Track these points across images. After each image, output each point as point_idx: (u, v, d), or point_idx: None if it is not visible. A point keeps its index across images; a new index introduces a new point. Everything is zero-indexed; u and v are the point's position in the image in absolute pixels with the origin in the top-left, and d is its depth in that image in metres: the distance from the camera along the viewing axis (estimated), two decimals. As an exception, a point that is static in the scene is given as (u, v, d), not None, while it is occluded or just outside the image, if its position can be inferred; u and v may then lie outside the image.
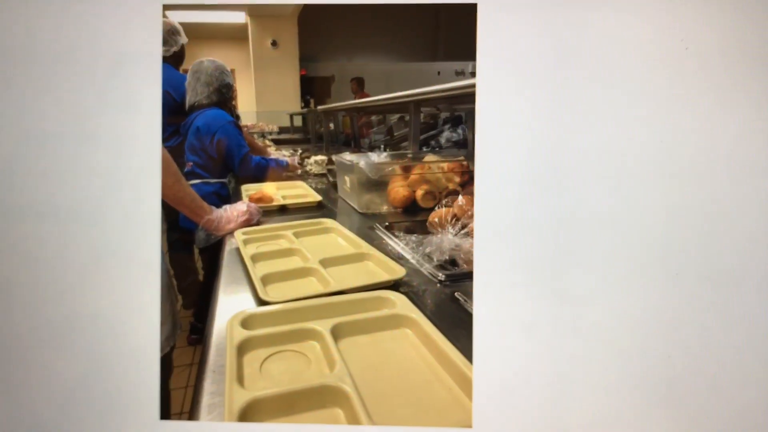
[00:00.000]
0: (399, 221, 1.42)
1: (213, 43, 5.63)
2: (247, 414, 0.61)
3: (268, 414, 0.63)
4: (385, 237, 1.26)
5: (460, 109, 2.48)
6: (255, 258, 1.11)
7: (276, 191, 1.79)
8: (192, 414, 0.64)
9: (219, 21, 5.30)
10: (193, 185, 1.72)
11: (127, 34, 0.81)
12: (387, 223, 1.36)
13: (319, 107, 4.01)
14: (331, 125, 3.61)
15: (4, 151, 0.80)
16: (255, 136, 3.66)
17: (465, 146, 2.43)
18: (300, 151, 2.75)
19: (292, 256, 1.16)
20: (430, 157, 1.68)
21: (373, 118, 3.72)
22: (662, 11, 0.76)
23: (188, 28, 2.16)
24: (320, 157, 2.41)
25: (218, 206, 1.42)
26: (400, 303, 0.84)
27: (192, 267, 2.15)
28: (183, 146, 2.06)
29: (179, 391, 1.65)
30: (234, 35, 5.57)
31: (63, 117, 0.81)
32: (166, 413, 0.82)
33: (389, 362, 0.72)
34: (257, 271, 1.01)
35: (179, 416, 1.10)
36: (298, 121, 4.83)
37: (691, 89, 0.76)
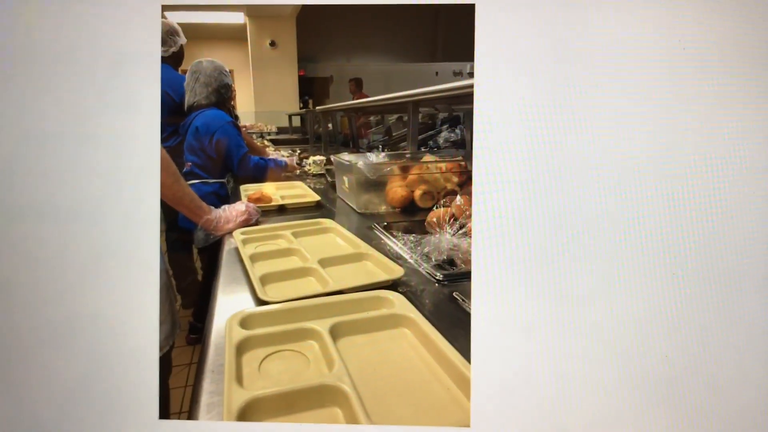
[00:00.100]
0: (397, 221, 1.42)
1: (212, 43, 5.64)
2: (245, 413, 0.62)
3: (267, 413, 0.63)
4: (383, 237, 1.26)
5: (458, 110, 2.48)
6: (254, 258, 1.12)
7: (275, 191, 1.79)
8: (191, 413, 0.65)
9: (218, 21, 5.30)
10: (192, 185, 1.72)
11: (127, 35, 0.81)
12: (385, 223, 1.37)
13: (318, 107, 4.01)
14: (330, 125, 3.61)
15: (4, 151, 0.80)
16: (254, 136, 3.66)
17: (463, 146, 2.43)
18: (298, 152, 2.75)
19: (290, 256, 1.16)
20: (428, 158, 1.68)
21: (372, 118, 3.73)
22: (660, 12, 0.76)
23: (187, 28, 2.16)
24: (319, 158, 2.41)
25: (217, 206, 1.42)
26: (398, 303, 0.84)
27: (191, 267, 2.15)
28: (182, 146, 2.05)
29: (178, 390, 1.65)
30: (233, 36, 5.58)
31: (63, 117, 0.81)
32: (165, 413, 0.82)
33: (388, 362, 0.72)
34: (256, 270, 1.01)
35: (178, 415, 1.10)
36: (296, 122, 4.84)
37: (689, 89, 0.76)
